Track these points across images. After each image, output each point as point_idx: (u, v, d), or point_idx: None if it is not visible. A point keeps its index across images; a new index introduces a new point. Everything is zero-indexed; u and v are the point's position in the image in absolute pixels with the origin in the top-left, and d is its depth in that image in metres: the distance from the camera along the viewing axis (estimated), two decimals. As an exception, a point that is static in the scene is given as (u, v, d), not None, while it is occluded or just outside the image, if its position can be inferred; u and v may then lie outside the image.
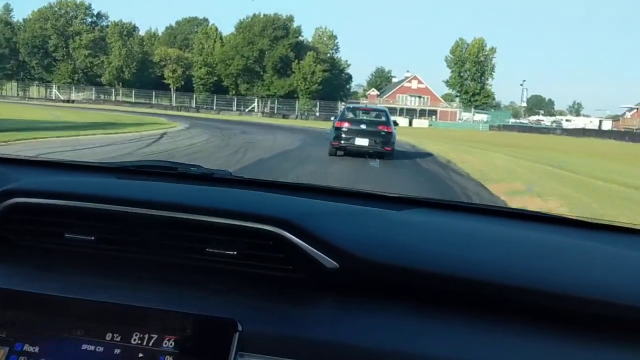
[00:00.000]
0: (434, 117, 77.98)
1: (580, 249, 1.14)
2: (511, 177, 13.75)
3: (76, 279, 0.99)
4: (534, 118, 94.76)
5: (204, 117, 48.46)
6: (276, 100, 73.27)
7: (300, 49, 74.25)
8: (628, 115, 76.88)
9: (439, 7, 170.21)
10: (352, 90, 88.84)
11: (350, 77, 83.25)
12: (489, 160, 18.65)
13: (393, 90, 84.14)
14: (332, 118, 20.02)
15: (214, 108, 69.62)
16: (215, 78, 74.77)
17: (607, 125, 74.67)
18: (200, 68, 74.68)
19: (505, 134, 54.50)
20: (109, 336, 0.81)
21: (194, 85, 75.24)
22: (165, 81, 75.32)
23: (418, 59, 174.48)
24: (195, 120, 38.52)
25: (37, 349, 0.81)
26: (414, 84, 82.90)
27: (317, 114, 66.33)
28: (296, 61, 72.58)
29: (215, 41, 75.30)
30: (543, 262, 1.01)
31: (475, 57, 75.95)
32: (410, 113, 76.14)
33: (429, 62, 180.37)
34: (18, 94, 76.20)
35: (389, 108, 72.58)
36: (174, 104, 71.89)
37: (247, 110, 70.41)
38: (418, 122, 67.19)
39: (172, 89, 75.50)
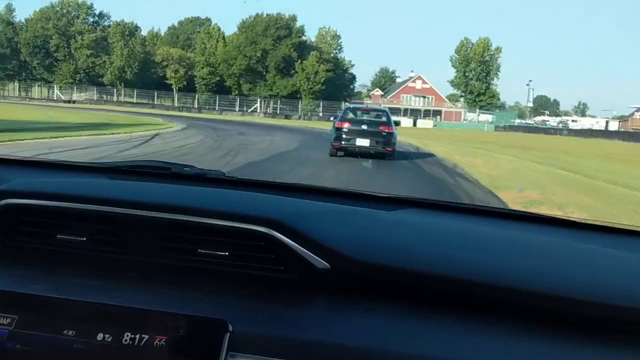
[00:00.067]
0: (438, 117, 76.71)
1: (571, 250, 1.14)
2: (524, 183, 12.46)
3: (67, 279, 0.99)
4: (539, 118, 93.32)
5: (205, 118, 47.40)
6: (279, 101, 72.14)
7: (304, 48, 73.04)
8: (637, 115, 75.35)
9: (444, 7, 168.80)
10: (356, 91, 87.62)
11: (354, 77, 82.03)
12: (497, 164, 17.36)
13: (397, 91, 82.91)
14: (332, 118, 19.39)
15: (216, 108, 68.58)
16: (218, 78, 73.66)
17: (613, 126, 73.20)
18: (203, 68, 73.58)
19: (511, 134, 53.13)
20: (100, 336, 0.81)
21: (196, 86, 74.13)
22: (167, 81, 74.23)
23: (422, 59, 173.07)
24: (194, 121, 37.51)
25: (28, 349, 0.81)
26: (419, 84, 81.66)
27: (321, 114, 65.08)
28: (299, 61, 71.38)
29: (217, 41, 74.18)
30: (534, 262, 1.01)
31: (480, 56, 74.55)
32: (415, 113, 74.95)
33: (433, 62, 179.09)
34: (20, 95, 75.32)
35: (393, 108, 71.07)
36: (176, 105, 70.83)
37: (249, 110, 69.30)
38: (422, 123, 65.96)
39: (174, 89, 74.41)
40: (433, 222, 1.29)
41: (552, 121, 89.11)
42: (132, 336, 0.80)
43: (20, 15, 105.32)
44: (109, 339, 0.80)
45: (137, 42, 76.17)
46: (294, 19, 73.72)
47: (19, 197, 1.08)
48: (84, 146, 14.97)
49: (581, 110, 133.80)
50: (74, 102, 68.41)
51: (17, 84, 78.17)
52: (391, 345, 0.80)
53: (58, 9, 75.87)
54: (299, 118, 62.99)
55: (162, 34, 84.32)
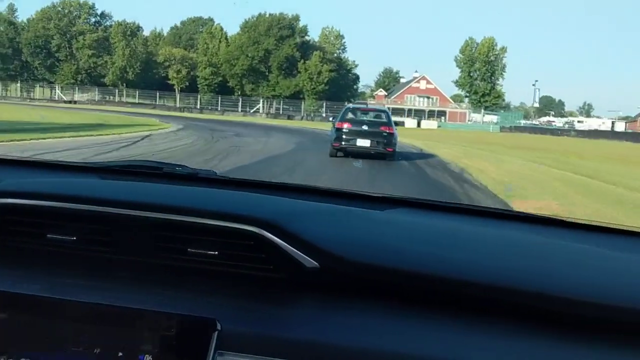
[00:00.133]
0: (442, 118, 75.28)
1: (563, 249, 1.14)
2: (540, 191, 11.09)
3: (57, 279, 0.98)
4: (544, 119, 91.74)
5: (205, 119, 46.16)
6: (282, 101, 70.84)
7: (307, 48, 71.81)
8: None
9: (448, 6, 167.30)
10: (359, 91, 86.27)
11: (357, 78, 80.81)
12: (508, 168, 15.96)
13: (401, 91, 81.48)
14: (331, 118, 18.63)
15: (219, 109, 67.29)
16: (220, 78, 72.42)
17: (620, 127, 71.60)
18: (205, 68, 72.33)
19: (517, 135, 51.61)
20: (91, 335, 0.82)
21: (198, 86, 72.89)
22: (169, 82, 72.99)
23: (427, 59, 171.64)
24: (192, 122, 36.32)
25: (16, 348, 0.81)
26: (423, 85, 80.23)
27: (324, 114, 63.65)
28: (302, 61, 70.08)
29: (220, 41, 72.96)
30: (525, 261, 1.01)
31: (485, 56, 73.05)
32: (419, 114, 73.53)
33: (437, 62, 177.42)
34: (22, 95, 74.23)
35: (397, 109, 69.35)
36: (178, 105, 69.61)
37: (252, 111, 68.00)
38: (427, 123, 64.54)
39: (176, 90, 73.16)
40: (424, 221, 1.27)
41: (558, 122, 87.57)
42: (121, 335, 0.81)
43: (23, 15, 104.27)
44: (98, 339, 0.81)
45: (139, 42, 74.88)
46: (296, 18, 72.57)
47: (8, 197, 1.08)
48: (61, 148, 13.85)
49: (586, 110, 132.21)
50: (75, 102, 67.21)
51: (19, 85, 77.09)
52: (381, 344, 0.80)
53: (59, 8, 74.63)
54: (302, 118, 61.67)
55: (165, 34, 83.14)
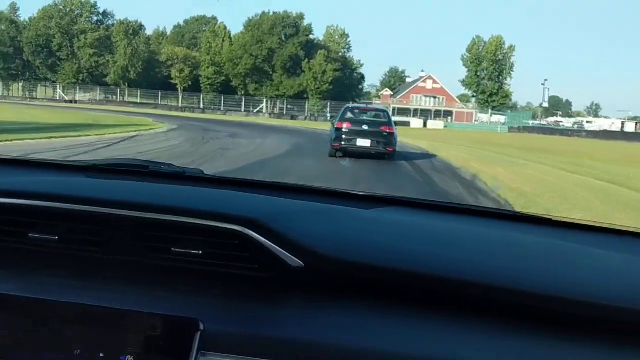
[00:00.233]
0: (449, 118, 73.46)
1: (551, 248, 1.14)
2: (563, 201, 9.35)
3: (39, 279, 0.97)
4: (552, 119, 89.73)
5: (206, 119, 44.63)
6: (285, 101, 69.22)
7: (311, 47, 70.16)
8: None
9: (455, 4, 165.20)
10: (364, 91, 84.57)
11: (362, 77, 79.00)
12: (524, 173, 14.18)
13: (407, 91, 79.73)
14: (329, 118, 17.73)
15: (221, 109, 65.72)
16: (223, 78, 70.87)
17: (629, 127, 69.53)
18: (208, 68, 70.78)
19: (526, 136, 49.71)
20: (71, 336, 0.81)
21: (201, 86, 71.35)
22: (172, 81, 71.50)
23: (433, 58, 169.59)
24: (190, 122, 34.79)
25: None
26: (429, 84, 78.44)
27: (328, 115, 61.97)
28: (306, 60, 68.47)
29: (223, 40, 71.40)
30: (511, 260, 1.01)
31: (493, 55, 71.20)
32: (425, 114, 71.80)
33: (444, 61, 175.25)
34: (24, 95, 72.96)
35: (403, 109, 67.74)
36: (180, 105, 68.10)
37: (255, 111, 66.42)
38: (433, 124, 62.71)
39: (179, 89, 71.65)
40: (410, 220, 1.26)
41: (566, 122, 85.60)
42: (102, 336, 0.80)
43: (25, 14, 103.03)
44: (81, 339, 0.80)
45: (141, 41, 73.33)
46: (301, 17, 70.90)
47: None
48: (31, 151, 12.27)
49: (594, 111, 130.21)
50: (76, 102, 65.92)
51: (21, 84, 75.83)
52: (366, 343, 0.79)
53: (61, 7, 73.19)
54: (305, 119, 60.06)
55: (168, 33, 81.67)
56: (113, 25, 74.44)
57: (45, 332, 0.81)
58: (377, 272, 0.92)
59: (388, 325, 0.85)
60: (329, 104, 65.17)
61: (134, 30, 73.25)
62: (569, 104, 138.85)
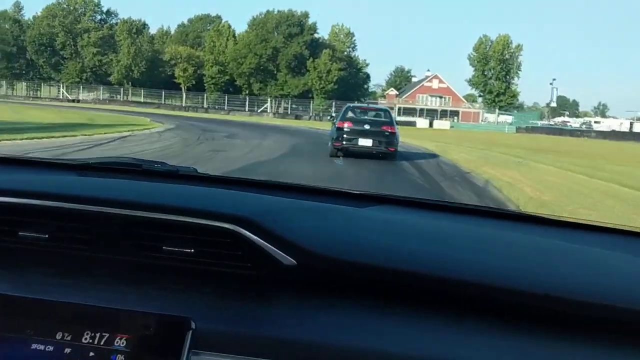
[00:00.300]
0: (455, 118, 71.99)
1: (545, 248, 1.13)
2: (597, 214, 8.04)
3: (28, 277, 0.96)
4: (559, 119, 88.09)
5: (208, 118, 43.47)
6: (290, 100, 67.98)
7: (316, 46, 68.86)
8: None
9: (462, 3, 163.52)
10: (370, 90, 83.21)
11: (368, 77, 77.55)
12: (540, 178, 12.89)
13: (413, 90, 78.29)
14: (330, 117, 17.24)
15: (225, 108, 64.54)
16: (227, 77, 69.67)
17: (638, 127, 67.90)
18: (212, 67, 69.58)
19: (535, 136, 48.19)
20: (59, 335, 0.79)
21: (205, 85, 70.19)
22: (176, 80, 70.34)
23: (439, 57, 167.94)
24: (190, 121, 33.61)
25: None
26: (435, 84, 77.00)
27: (333, 114, 60.72)
28: (311, 59, 67.13)
29: (227, 39, 70.20)
30: (503, 258, 1.00)
31: (500, 54, 69.69)
32: (431, 114, 70.39)
33: (450, 60, 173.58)
34: (29, 94, 72.02)
35: (409, 108, 66.36)
36: (184, 104, 66.99)
37: (259, 110, 65.22)
38: (439, 124, 61.33)
39: (183, 89, 70.51)
40: (403, 218, 1.25)
41: (573, 122, 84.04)
42: (93, 335, 0.79)
43: (29, 13, 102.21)
44: (69, 338, 0.78)
45: (144, 40, 72.19)
46: (306, 15, 69.60)
47: None
48: (8, 152, 11.01)
49: (601, 111, 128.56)
50: (79, 101, 64.98)
51: (25, 84, 74.94)
52: (359, 342, 0.79)
53: (65, 5, 72.23)
54: (310, 118, 58.77)
55: (172, 33, 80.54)
56: (116, 24, 73.40)
57: (34, 331, 0.80)
58: (369, 270, 0.91)
59: (381, 324, 0.84)
60: (333, 103, 63.86)
61: (138, 29, 72.12)
62: (575, 104, 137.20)
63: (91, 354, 0.77)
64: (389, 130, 15.20)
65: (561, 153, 24.01)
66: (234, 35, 71.35)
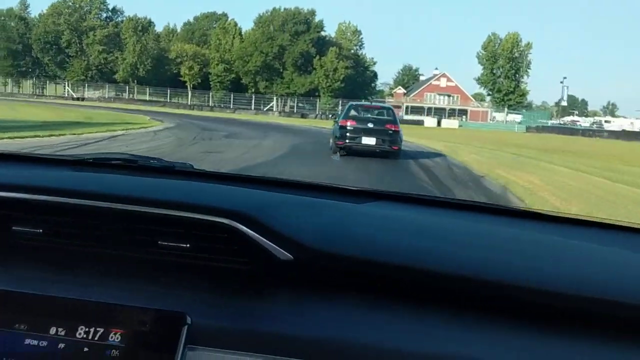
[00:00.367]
0: (464, 117, 70.58)
1: (544, 243, 1.13)
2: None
3: (22, 272, 0.96)
4: (568, 118, 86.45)
5: (211, 117, 42.37)
6: (296, 99, 66.79)
7: (323, 44, 67.62)
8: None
9: (470, 0, 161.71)
10: (377, 89, 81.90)
11: (375, 75, 76.29)
12: (559, 182, 11.67)
13: (421, 89, 76.86)
14: (331, 116, 15.87)
15: (231, 107, 63.45)
16: (233, 75, 68.51)
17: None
18: (218, 65, 68.48)
19: (546, 136, 46.71)
20: (53, 330, 0.78)
21: (210, 83, 69.11)
22: (181, 79, 69.30)
23: (447, 55, 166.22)
24: (192, 120, 32.53)
25: None
26: (443, 82, 75.54)
27: (338, 112, 59.48)
28: (318, 57, 65.91)
29: (234, 37, 69.09)
30: (501, 254, 1.00)
31: (509, 53, 68.19)
32: (439, 112, 69.02)
33: (459, 58, 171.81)
34: (35, 92, 71.21)
35: (416, 107, 65.06)
36: (189, 103, 65.94)
37: (265, 109, 64.06)
38: (447, 123, 59.93)
39: (188, 87, 69.46)
40: (401, 214, 1.24)
41: (582, 121, 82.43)
42: (87, 330, 0.78)
43: (35, 11, 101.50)
44: (62, 333, 0.77)
45: (150, 38, 71.06)
46: (312, 13, 68.35)
47: None
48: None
49: (610, 110, 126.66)
50: (83, 99, 64.04)
51: (30, 81, 74.16)
52: (356, 337, 0.78)
53: (70, 3, 71.20)
54: (316, 117, 57.58)
55: (178, 31, 79.52)
56: (122, 22, 72.40)
57: (27, 326, 0.78)
58: (366, 265, 0.91)
59: (378, 319, 0.83)
60: (340, 102, 62.61)
61: (143, 27, 71.05)
62: (584, 103, 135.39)
63: (85, 349, 0.76)
64: (393, 129, 14.87)
65: (575, 153, 22.71)
66: (240, 33, 70.26)
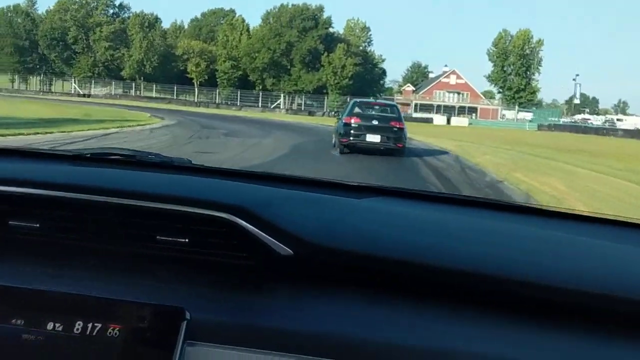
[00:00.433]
0: (473, 114, 69.14)
1: (539, 237, 1.12)
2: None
3: (18, 267, 0.94)
4: (579, 116, 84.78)
5: (215, 114, 41.31)
6: (303, 96, 65.68)
7: (331, 41, 66.49)
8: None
9: None
10: (386, 86, 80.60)
11: (384, 72, 75.09)
12: (587, 188, 10.48)
13: (430, 86, 75.47)
14: (333, 113, 15.20)
15: (237, 104, 62.39)
16: (241, 72, 67.51)
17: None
18: (225, 62, 67.46)
19: (559, 135, 45.28)
20: (50, 325, 0.77)
21: (217, 80, 68.10)
22: (188, 75, 68.33)
23: (457, 52, 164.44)
24: (195, 117, 31.50)
25: None
26: (453, 79, 74.07)
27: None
28: (326, 54, 64.78)
29: (241, 33, 68.06)
30: (499, 248, 1.00)
31: (520, 49, 66.74)
32: (448, 110, 67.58)
33: (469, 56, 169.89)
34: (42, 89, 70.53)
35: (425, 104, 63.73)
36: (196, 100, 64.97)
37: (272, 107, 62.96)
38: (457, 120, 58.54)
39: (195, 84, 68.50)
40: (402, 210, 1.23)
41: (594, 120, 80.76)
42: (84, 325, 0.77)
43: (42, 7, 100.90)
44: (60, 328, 0.76)
45: (156, 35, 70.21)
46: (320, 9, 67.29)
47: None
48: None
49: (621, 108, 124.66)
50: (89, 96, 63.24)
51: (39, 78, 73.50)
52: (355, 332, 0.78)
53: (77, -1, 70.65)
54: (323, 115, 56.40)
55: (186, 27, 78.54)
56: (129, 18, 71.62)
57: (24, 321, 0.77)
58: (367, 261, 0.90)
59: (378, 314, 0.83)
60: (348, 99, 61.51)
61: (150, 23, 70.24)
62: (595, 101, 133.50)
63: (83, 344, 0.76)
64: (398, 126, 14.56)
65: (592, 153, 21.47)
66: (247, 30, 69.34)
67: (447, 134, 29.25)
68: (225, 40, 68.24)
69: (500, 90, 69.94)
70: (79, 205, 0.97)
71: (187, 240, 0.96)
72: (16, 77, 72.76)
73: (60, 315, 0.77)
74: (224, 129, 22.04)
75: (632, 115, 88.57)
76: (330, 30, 68.42)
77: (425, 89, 75.31)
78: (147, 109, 39.43)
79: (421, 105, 69.68)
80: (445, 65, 77.84)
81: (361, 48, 69.74)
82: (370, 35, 73.05)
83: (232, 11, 76.10)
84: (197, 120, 28.28)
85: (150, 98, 62.97)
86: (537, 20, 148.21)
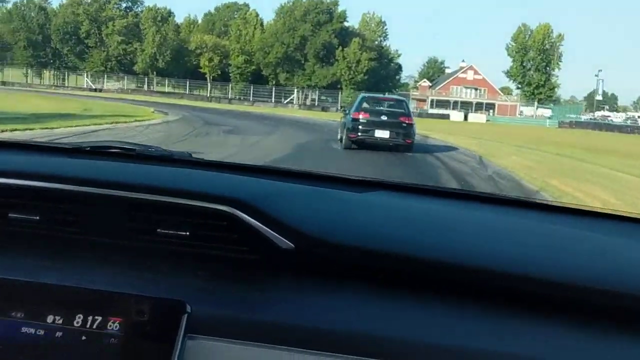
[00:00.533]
0: (491, 111, 67.01)
1: (539, 232, 1.11)
2: None
3: (18, 260, 0.94)
4: (599, 113, 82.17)
5: (226, 109, 39.91)
6: (317, 91, 64.00)
7: (345, 35, 64.68)
8: None
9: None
10: (402, 82, 78.64)
11: (400, 67, 73.07)
12: (632, 195, 8.73)
13: (446, 82, 73.44)
14: (339, 108, 13.94)
15: (250, 99, 60.90)
16: (254, 67, 66.00)
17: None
18: (238, 56, 65.99)
19: (583, 132, 43.16)
20: (50, 319, 0.76)
21: (230, 75, 66.63)
22: (201, 70, 66.95)
23: (475, 47, 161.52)
24: (202, 113, 30.13)
25: None
26: (470, 75, 72.00)
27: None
28: (340, 49, 62.98)
29: (255, 28, 66.50)
30: (500, 244, 0.99)
31: (540, 44, 64.39)
32: (465, 106, 65.68)
33: (486, 50, 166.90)
34: (55, 83, 69.61)
35: (442, 100, 61.58)
36: (209, 95, 63.60)
37: (285, 102, 61.40)
38: (474, 117, 56.66)
39: (208, 79, 67.11)
40: (403, 204, 1.22)
41: (614, 117, 78.17)
42: (85, 318, 0.76)
43: (55, 1, 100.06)
44: (60, 321, 0.76)
45: (169, 29, 68.87)
46: (335, 3, 65.35)
47: None
48: None
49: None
50: (100, 90, 62.13)
51: (52, 73, 72.61)
52: (357, 326, 0.77)
53: (89, -7, 69.45)
54: (337, 110, 54.73)
55: (199, 22, 77.15)
56: (142, 12, 70.36)
57: (24, 314, 0.77)
58: (368, 255, 0.90)
59: (379, 309, 0.82)
60: (362, 94, 59.85)
61: (163, 17, 68.90)
62: (614, 97, 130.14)
63: (83, 337, 0.75)
64: (407, 122, 14.33)
65: (625, 155, 19.59)
66: (261, 24, 67.84)
67: (465, 132, 27.45)
68: (238, 35, 66.77)
69: (519, 86, 67.67)
70: (78, 198, 0.97)
71: (187, 233, 0.94)
72: (29, 71, 71.87)
73: (60, 308, 0.77)
74: (228, 126, 20.52)
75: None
76: (345, 24, 66.65)
77: (442, 85, 73.32)
78: (156, 104, 38.08)
79: (437, 101, 67.70)
80: (463, 61, 75.83)
81: (376, 43, 67.91)
82: (386, 29, 71.23)
83: (246, 5, 74.59)
84: (202, 116, 26.79)
85: (163, 93, 61.78)
86: (555, 15, 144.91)
